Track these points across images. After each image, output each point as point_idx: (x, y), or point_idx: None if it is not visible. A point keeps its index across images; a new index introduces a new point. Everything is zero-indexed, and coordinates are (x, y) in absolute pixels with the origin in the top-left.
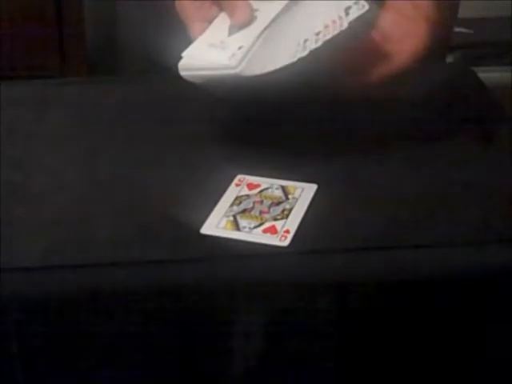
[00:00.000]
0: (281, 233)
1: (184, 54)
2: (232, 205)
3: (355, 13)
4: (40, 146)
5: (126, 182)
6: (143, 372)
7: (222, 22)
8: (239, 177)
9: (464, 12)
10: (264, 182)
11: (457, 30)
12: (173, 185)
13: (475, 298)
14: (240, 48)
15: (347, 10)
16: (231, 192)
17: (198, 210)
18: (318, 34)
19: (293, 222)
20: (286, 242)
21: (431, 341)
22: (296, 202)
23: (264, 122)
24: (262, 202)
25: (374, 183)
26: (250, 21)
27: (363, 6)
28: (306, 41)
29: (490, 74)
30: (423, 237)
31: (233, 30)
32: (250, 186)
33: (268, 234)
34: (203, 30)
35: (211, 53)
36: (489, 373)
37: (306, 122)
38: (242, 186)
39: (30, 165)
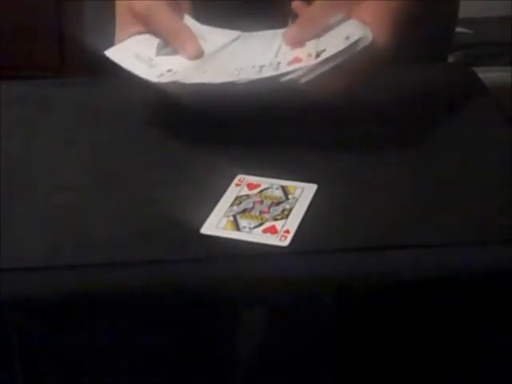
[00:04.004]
0: (281, 233)
1: (109, 52)
2: (232, 205)
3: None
4: (40, 146)
5: (126, 182)
6: (143, 371)
7: (148, 39)
8: (239, 177)
9: (464, 12)
10: (264, 181)
11: (457, 30)
12: (173, 185)
13: (475, 297)
14: (169, 71)
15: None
16: (231, 192)
17: (198, 210)
18: (278, 63)
19: (293, 222)
20: (286, 242)
21: (431, 341)
22: (296, 202)
23: (265, 122)
24: (262, 201)
25: (374, 183)
26: (200, 56)
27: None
28: (262, 66)
29: (489, 74)
30: (423, 237)
31: (162, 51)
32: (250, 186)
33: (268, 234)
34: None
35: (137, 65)
36: (489, 373)
37: (306, 122)
38: (241, 186)
39: (30, 165)
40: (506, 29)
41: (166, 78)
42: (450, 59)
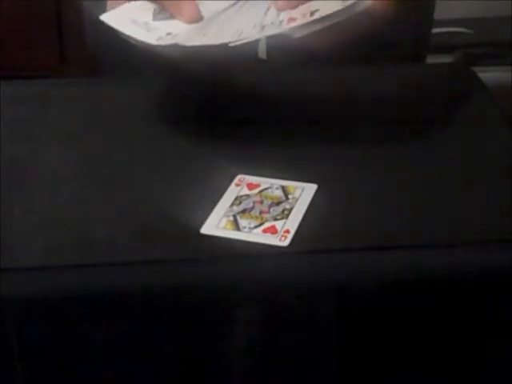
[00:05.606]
0: (281, 233)
1: (104, 17)
2: (232, 205)
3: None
4: (40, 146)
5: (126, 182)
6: (143, 372)
7: (142, 5)
8: (239, 177)
9: (464, 12)
10: (264, 182)
11: (457, 30)
12: (173, 185)
13: (475, 297)
14: (168, 34)
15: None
16: (231, 192)
17: (198, 210)
18: (281, 22)
19: (293, 222)
20: (286, 242)
21: (431, 341)
22: (296, 201)
23: (264, 121)
24: (262, 201)
25: (373, 183)
26: (198, 19)
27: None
28: (263, 26)
29: (489, 74)
30: (423, 237)
31: (158, 16)
32: (250, 186)
33: (268, 234)
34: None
35: (135, 29)
36: (489, 373)
37: (306, 122)
38: (241, 186)
39: (30, 165)
40: (506, 29)
41: (165, 41)
42: (450, 59)
